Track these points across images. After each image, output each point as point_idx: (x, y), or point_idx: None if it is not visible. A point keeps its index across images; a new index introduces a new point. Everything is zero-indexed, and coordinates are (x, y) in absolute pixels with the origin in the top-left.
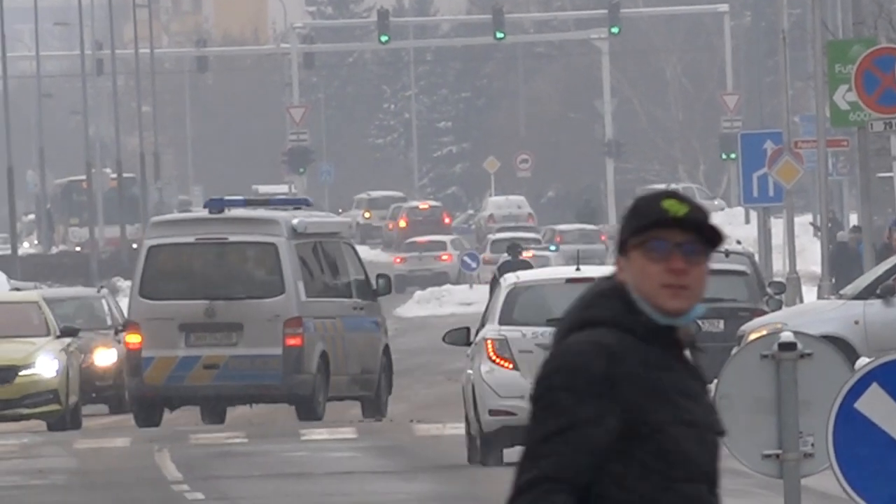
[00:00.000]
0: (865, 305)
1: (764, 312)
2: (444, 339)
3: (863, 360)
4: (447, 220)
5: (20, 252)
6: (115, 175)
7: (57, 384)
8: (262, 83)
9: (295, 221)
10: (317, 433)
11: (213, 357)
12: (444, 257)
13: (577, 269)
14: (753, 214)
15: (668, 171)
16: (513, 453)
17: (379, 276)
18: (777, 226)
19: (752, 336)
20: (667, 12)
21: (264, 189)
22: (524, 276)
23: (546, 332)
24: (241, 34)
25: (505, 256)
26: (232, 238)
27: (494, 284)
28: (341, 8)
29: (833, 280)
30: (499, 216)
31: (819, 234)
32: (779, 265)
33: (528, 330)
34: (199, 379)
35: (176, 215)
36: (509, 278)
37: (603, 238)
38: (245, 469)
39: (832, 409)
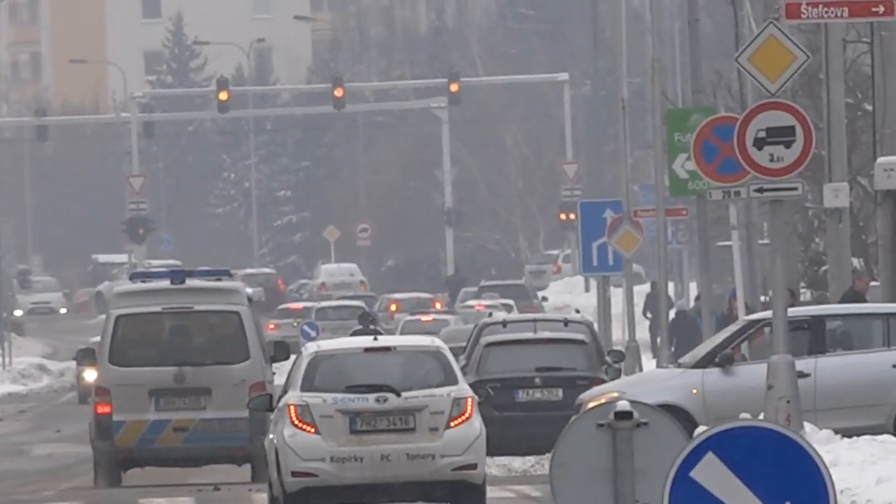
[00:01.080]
0: (704, 374)
1: (603, 381)
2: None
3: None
4: (282, 287)
5: None
6: None
7: None
8: (102, 152)
9: (249, 291)
10: (155, 503)
11: (182, 420)
12: None
13: (375, 339)
14: (593, 283)
15: (508, 240)
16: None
17: (276, 342)
18: (617, 294)
19: (591, 405)
20: (506, 80)
21: (104, 258)
22: (325, 345)
23: (345, 399)
24: (81, 103)
25: (356, 326)
26: (197, 307)
27: None
28: (181, 76)
29: (672, 349)
30: (331, 284)
31: (649, 317)
32: (618, 334)
33: (329, 396)
34: (169, 441)
35: (140, 286)
36: (310, 347)
37: (436, 305)
38: None
39: (668, 477)
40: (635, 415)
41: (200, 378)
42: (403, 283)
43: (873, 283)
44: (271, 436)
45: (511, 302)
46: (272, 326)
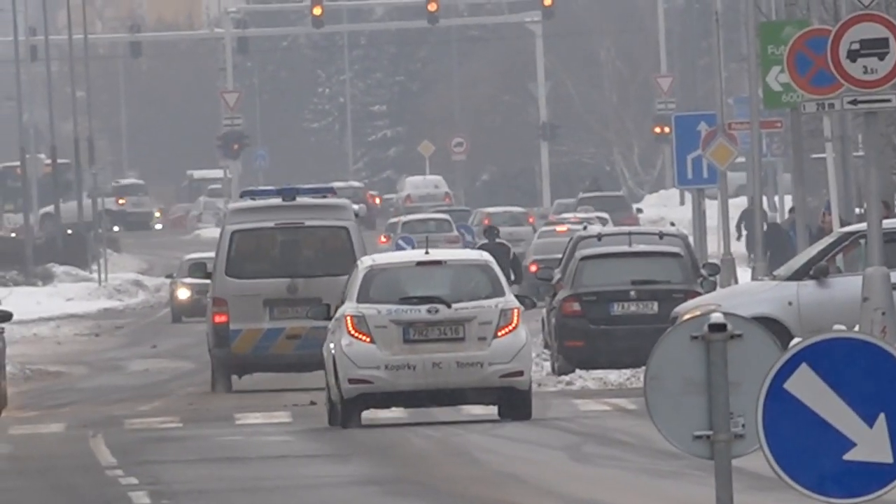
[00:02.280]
0: (799, 286)
1: (698, 294)
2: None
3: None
4: (374, 201)
5: None
6: (49, 161)
7: None
8: (196, 68)
9: (355, 207)
10: (251, 417)
11: (295, 329)
12: None
13: (427, 253)
14: (688, 196)
15: (603, 154)
16: (369, 416)
17: None
18: (712, 207)
19: (686, 317)
20: None
21: (199, 174)
22: (379, 258)
23: (399, 310)
24: (174, 19)
25: (483, 240)
26: (307, 223)
27: None
28: None
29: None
30: (416, 196)
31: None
32: (713, 246)
33: (383, 307)
34: (282, 348)
35: (253, 203)
36: (365, 261)
37: (531, 220)
38: (179, 454)
39: (762, 389)
40: (729, 327)
41: (311, 289)
42: (497, 197)
43: None
44: (330, 345)
45: (606, 215)
46: (384, 239)
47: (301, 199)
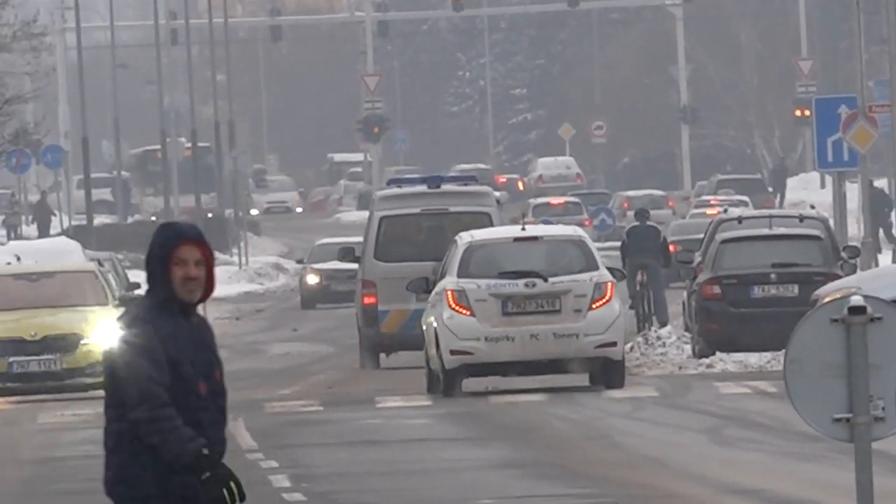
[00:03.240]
0: None
1: (838, 277)
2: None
3: None
4: (516, 184)
5: (95, 222)
6: (189, 144)
7: None
8: (336, 52)
9: (497, 194)
10: (391, 400)
11: None
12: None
13: (523, 230)
14: (829, 179)
15: (744, 137)
16: (469, 384)
17: None
18: (852, 190)
19: (826, 300)
20: None
21: (339, 157)
22: (478, 235)
23: (498, 284)
24: (315, 3)
25: (634, 222)
26: (452, 209)
27: (625, 251)
28: None
29: None
30: (548, 176)
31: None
32: (854, 230)
33: (483, 282)
34: None
35: (400, 190)
36: (464, 237)
37: (671, 203)
38: (319, 437)
39: None
40: (869, 310)
41: None
42: (638, 180)
43: None
44: (431, 318)
45: (746, 198)
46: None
47: (445, 187)
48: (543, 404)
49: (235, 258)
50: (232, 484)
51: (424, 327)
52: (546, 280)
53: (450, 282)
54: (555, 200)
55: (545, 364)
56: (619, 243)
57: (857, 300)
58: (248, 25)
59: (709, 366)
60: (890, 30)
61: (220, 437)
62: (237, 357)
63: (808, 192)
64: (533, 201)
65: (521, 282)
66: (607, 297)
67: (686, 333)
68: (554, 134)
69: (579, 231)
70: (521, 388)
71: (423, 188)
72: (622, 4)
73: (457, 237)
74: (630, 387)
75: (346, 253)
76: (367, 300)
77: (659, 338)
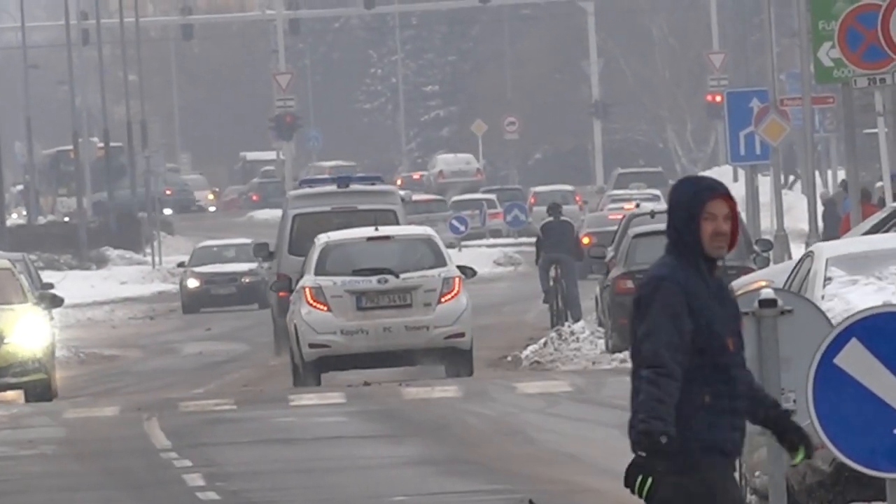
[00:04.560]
0: None
1: (751, 270)
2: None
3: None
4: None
5: (8, 223)
6: (102, 144)
7: (42, 353)
8: (248, 50)
9: (402, 193)
10: (306, 398)
11: None
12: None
13: (376, 230)
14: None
15: (656, 131)
16: (328, 377)
17: None
18: (764, 184)
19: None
20: None
21: (252, 156)
22: (334, 235)
23: (352, 281)
24: (226, 1)
25: (547, 217)
26: (360, 207)
27: (539, 246)
28: None
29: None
30: (448, 172)
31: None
32: (766, 223)
33: (338, 279)
34: None
35: (312, 189)
36: (321, 238)
37: (577, 199)
38: (233, 436)
39: (812, 365)
40: (780, 302)
41: None
42: (551, 175)
43: None
44: (292, 314)
45: (659, 192)
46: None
47: (354, 186)
48: (457, 400)
49: (149, 258)
50: (649, 481)
51: (287, 322)
52: (397, 276)
53: (308, 280)
54: (472, 196)
55: (399, 355)
56: (533, 238)
57: (767, 293)
58: (160, 24)
59: (623, 360)
60: (801, 22)
61: (750, 394)
62: (151, 356)
63: None
64: (453, 198)
65: (374, 278)
66: (455, 292)
67: (600, 328)
68: (466, 130)
69: (429, 230)
70: (383, 379)
71: (332, 188)
72: (533, 0)
73: (315, 238)
74: (544, 382)
75: (261, 249)
76: (282, 293)
77: (572, 333)
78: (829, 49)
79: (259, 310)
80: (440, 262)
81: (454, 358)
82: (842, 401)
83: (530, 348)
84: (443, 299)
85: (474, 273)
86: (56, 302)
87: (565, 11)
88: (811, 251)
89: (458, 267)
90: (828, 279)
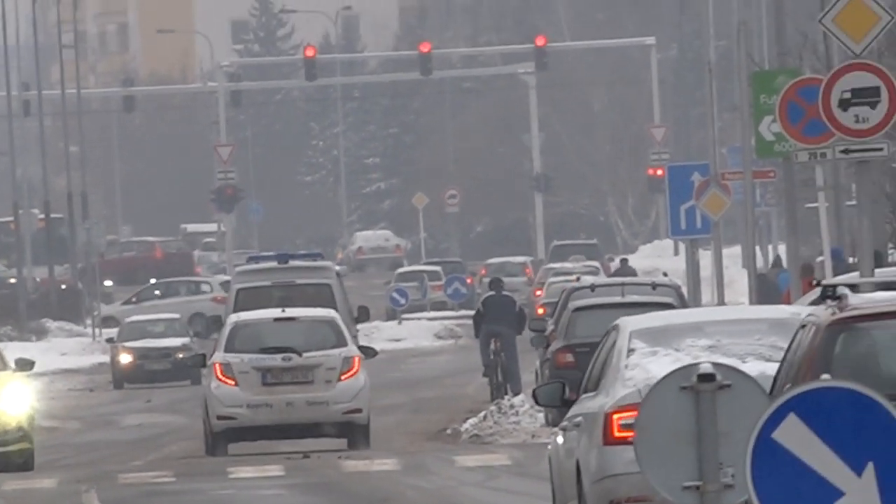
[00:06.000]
0: None
1: None
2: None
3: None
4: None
5: None
6: (42, 216)
7: (26, 421)
8: (190, 122)
9: (338, 268)
10: (244, 471)
11: None
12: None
13: (283, 311)
14: (682, 246)
15: (597, 205)
16: (235, 447)
17: (360, 307)
18: (705, 258)
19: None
20: (593, 45)
21: (193, 227)
22: (243, 316)
23: (259, 358)
24: (168, 73)
25: (489, 292)
26: (298, 281)
27: (479, 319)
28: (268, 45)
29: None
30: (367, 248)
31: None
32: (707, 297)
33: (246, 356)
34: None
35: (254, 266)
36: (232, 318)
37: (527, 271)
38: None
39: (750, 439)
40: (718, 377)
41: None
42: (492, 248)
43: None
44: (203, 387)
45: (597, 264)
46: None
47: (293, 262)
48: (396, 473)
49: (88, 329)
50: None
51: (202, 394)
52: (301, 355)
53: (218, 356)
54: (416, 268)
55: (300, 427)
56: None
57: (706, 367)
58: (101, 96)
59: None
60: (742, 97)
61: None
62: (90, 428)
63: (661, 259)
64: (397, 271)
65: (279, 356)
66: (354, 370)
67: None
68: (408, 203)
69: (332, 312)
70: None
71: (274, 264)
72: (475, 73)
73: (227, 318)
74: (484, 455)
75: (215, 321)
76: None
77: (512, 406)
78: (770, 123)
79: (192, 385)
80: (341, 342)
81: (352, 432)
82: (780, 476)
83: (470, 421)
84: (342, 377)
85: (375, 353)
86: (27, 365)
87: (507, 84)
88: (616, 324)
89: (360, 347)
90: (631, 350)
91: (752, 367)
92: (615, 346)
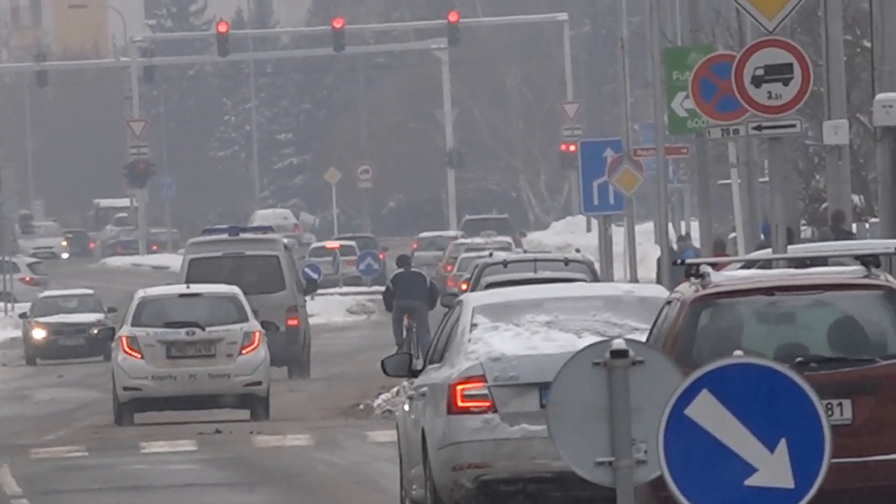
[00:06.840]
0: None
1: None
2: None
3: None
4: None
5: None
6: None
7: None
8: (102, 97)
9: (286, 241)
10: (156, 446)
11: None
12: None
13: (188, 287)
14: (595, 223)
15: (510, 181)
16: (141, 417)
17: (308, 280)
18: (618, 234)
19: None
20: (506, 21)
21: (105, 202)
22: (150, 291)
23: (163, 332)
24: (81, 48)
25: (398, 269)
26: (247, 252)
27: (388, 297)
28: (181, 20)
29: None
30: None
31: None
32: (620, 273)
33: (151, 330)
34: None
35: (206, 238)
36: (140, 293)
37: (414, 246)
38: (85, 483)
39: (663, 416)
40: (631, 353)
41: (251, 303)
42: (404, 224)
43: (873, 220)
44: (112, 360)
45: (510, 240)
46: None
47: (244, 235)
48: (308, 448)
49: (1, 304)
50: None
51: (111, 367)
52: (204, 329)
53: (125, 330)
54: (330, 244)
55: (203, 399)
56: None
57: (619, 343)
58: (14, 71)
59: None
60: (655, 73)
61: None
62: (1, 403)
63: (574, 235)
64: (310, 246)
65: (183, 330)
66: (255, 344)
67: None
68: (320, 178)
69: (235, 289)
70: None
71: (225, 236)
72: (388, 49)
73: (135, 293)
74: (395, 431)
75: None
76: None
77: None
78: (683, 100)
79: (105, 361)
80: (243, 317)
81: (253, 403)
82: (693, 452)
83: (382, 397)
84: (243, 351)
85: (277, 328)
86: None
87: (419, 60)
88: (460, 300)
89: (262, 323)
90: (474, 325)
91: (588, 342)
92: (459, 320)
